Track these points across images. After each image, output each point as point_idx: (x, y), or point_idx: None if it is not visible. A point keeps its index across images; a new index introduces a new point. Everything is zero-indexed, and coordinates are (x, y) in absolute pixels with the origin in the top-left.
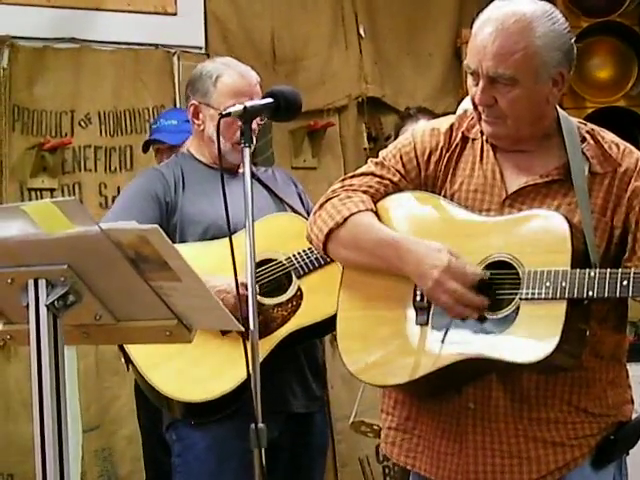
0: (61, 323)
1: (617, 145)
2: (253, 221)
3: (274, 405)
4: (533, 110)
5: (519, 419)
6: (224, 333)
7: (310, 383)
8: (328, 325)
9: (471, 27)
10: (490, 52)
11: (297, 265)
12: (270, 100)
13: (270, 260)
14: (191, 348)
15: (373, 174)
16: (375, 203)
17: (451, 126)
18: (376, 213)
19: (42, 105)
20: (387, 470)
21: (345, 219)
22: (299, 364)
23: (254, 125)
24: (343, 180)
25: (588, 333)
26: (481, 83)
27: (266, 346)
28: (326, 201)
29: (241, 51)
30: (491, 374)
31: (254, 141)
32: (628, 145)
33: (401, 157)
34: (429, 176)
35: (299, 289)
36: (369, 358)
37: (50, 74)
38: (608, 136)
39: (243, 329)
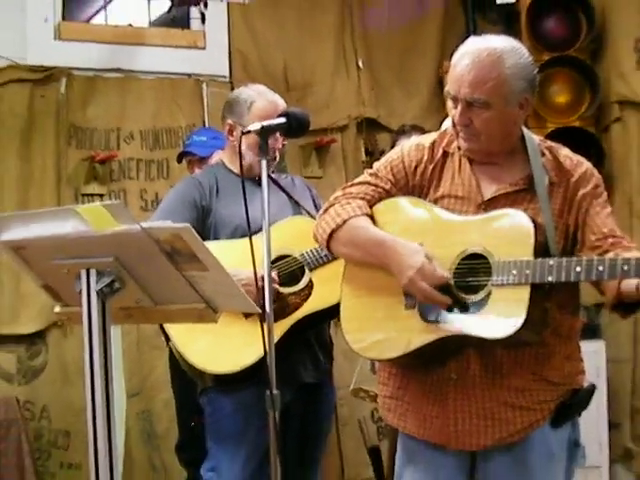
0: (108, 306)
1: (570, 158)
2: (269, 222)
3: (287, 376)
4: (503, 129)
5: (492, 387)
6: (247, 316)
7: (319, 357)
8: (334, 311)
9: (451, 60)
10: (467, 80)
11: (309, 260)
12: (283, 120)
13: (287, 256)
14: (219, 328)
15: (368, 183)
16: (370, 207)
17: (433, 142)
18: (371, 216)
19: (93, 124)
20: (380, 429)
21: (344, 221)
22: (309, 342)
23: (279, 144)
24: (344, 188)
25: (549, 315)
26: (459, 106)
27: (282, 327)
28: (329, 206)
29: (259, 79)
30: (469, 349)
31: (278, 156)
32: (579, 158)
33: (392, 168)
34: (415, 185)
35: (310, 280)
36: (367, 337)
37: (100, 98)
38: (563, 151)
39: (260, 311)
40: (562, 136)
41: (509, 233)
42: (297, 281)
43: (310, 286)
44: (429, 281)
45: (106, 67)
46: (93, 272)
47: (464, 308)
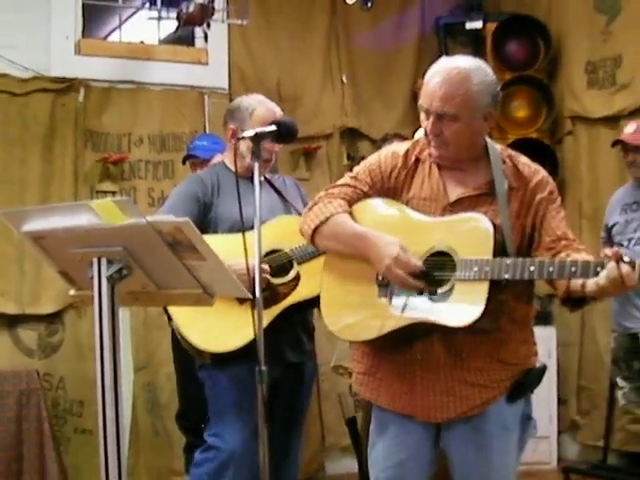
0: (117, 290)
1: (529, 166)
2: (262, 219)
3: (276, 356)
4: (469, 139)
5: (453, 367)
6: (241, 302)
7: (302, 340)
8: (318, 300)
9: (424, 77)
10: (438, 96)
11: (297, 255)
12: (274, 127)
13: (278, 250)
14: (215, 312)
15: (349, 185)
16: (350, 206)
17: (407, 150)
18: (351, 214)
19: (107, 129)
20: (357, 402)
21: (327, 218)
22: (294, 327)
23: (276, 148)
24: (327, 189)
25: (505, 305)
26: (431, 118)
27: (272, 313)
28: (314, 204)
29: (255, 92)
30: (434, 334)
31: (274, 158)
32: (537, 166)
33: (370, 173)
34: (390, 187)
35: (298, 273)
36: (344, 321)
37: (114, 107)
38: (522, 159)
39: (251, 297)
40: (521, 146)
41: (472, 234)
42: (286, 273)
43: (297, 278)
44: (404, 269)
45: (120, 79)
46: (104, 260)
47: (431, 298)
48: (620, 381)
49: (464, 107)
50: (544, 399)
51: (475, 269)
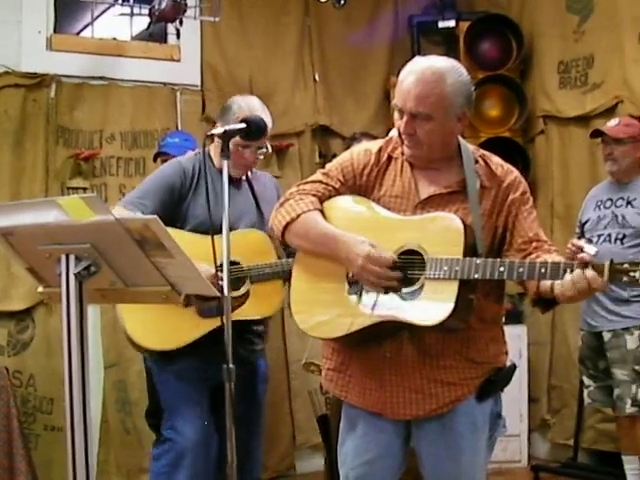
0: (85, 287)
1: (502, 166)
2: (232, 220)
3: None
4: (442, 139)
5: (423, 365)
6: (186, 305)
7: (252, 341)
8: (259, 322)
9: (397, 75)
10: (412, 95)
11: (253, 273)
12: (244, 125)
13: (236, 263)
14: (158, 311)
15: (320, 181)
16: (321, 203)
17: (380, 148)
18: (322, 211)
19: (79, 126)
20: (328, 400)
21: (298, 215)
22: (244, 332)
23: (247, 155)
24: (298, 185)
25: (475, 304)
26: (405, 118)
27: (212, 324)
28: (285, 201)
29: (227, 89)
30: (403, 332)
31: (253, 167)
32: (509, 166)
33: (342, 169)
34: (362, 185)
35: (248, 291)
36: (313, 318)
37: (85, 103)
38: (495, 159)
39: (219, 294)
40: (493, 145)
41: (443, 233)
42: (238, 288)
43: (246, 296)
44: (378, 264)
45: (91, 75)
46: (72, 257)
47: (400, 297)
48: (586, 380)
49: (438, 107)
50: (515, 398)
51: (445, 268)
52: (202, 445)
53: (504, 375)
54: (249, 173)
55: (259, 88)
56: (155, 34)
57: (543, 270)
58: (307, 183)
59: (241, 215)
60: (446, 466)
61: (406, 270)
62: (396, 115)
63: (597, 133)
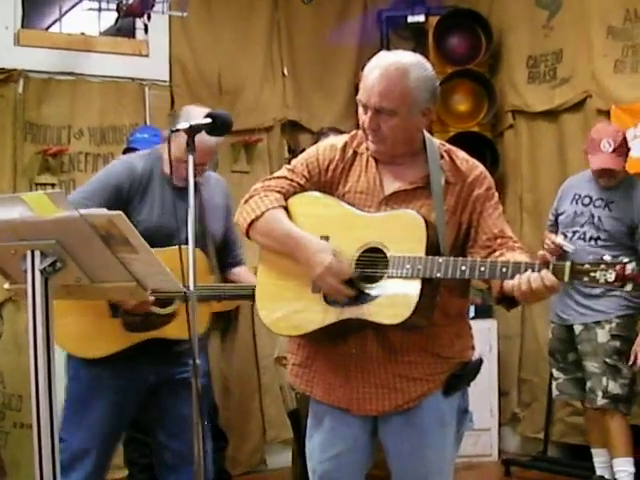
0: (51, 284)
1: (467, 161)
2: (170, 232)
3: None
4: (407, 134)
5: (387, 361)
6: (114, 315)
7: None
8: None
9: (364, 70)
10: (376, 91)
11: (183, 294)
12: (209, 120)
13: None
14: (85, 317)
15: (285, 178)
16: (286, 200)
17: (345, 143)
18: (286, 208)
19: (47, 121)
20: (298, 395)
21: (262, 213)
22: (163, 350)
23: (207, 163)
24: (263, 181)
25: (437, 301)
26: (369, 113)
27: (133, 339)
28: (250, 197)
29: (196, 84)
30: (368, 329)
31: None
32: (475, 161)
33: (307, 165)
34: (327, 180)
35: (176, 311)
36: (277, 315)
37: (53, 99)
38: (460, 154)
39: (185, 290)
40: (462, 140)
41: (406, 231)
42: (166, 306)
43: (172, 315)
44: (336, 278)
45: (59, 71)
46: (37, 253)
47: (363, 295)
48: (555, 372)
49: (402, 102)
50: (485, 392)
51: (407, 267)
52: (91, 454)
53: (470, 370)
54: (199, 179)
55: (228, 83)
56: (123, 29)
57: (504, 270)
58: (272, 179)
59: (182, 227)
60: (412, 461)
61: (369, 268)
62: (360, 110)
63: (603, 172)
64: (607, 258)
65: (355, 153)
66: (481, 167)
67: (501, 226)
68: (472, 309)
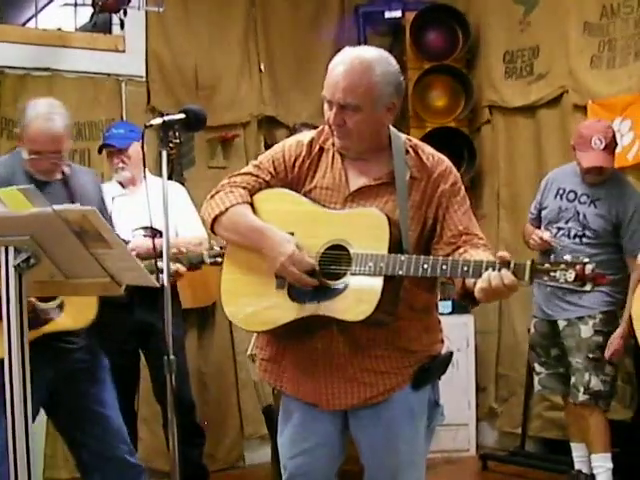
0: (25, 279)
1: (433, 156)
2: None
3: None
4: (372, 129)
5: (354, 356)
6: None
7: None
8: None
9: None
10: (340, 86)
11: None
12: (183, 115)
13: None
14: None
15: (251, 174)
16: (251, 196)
17: (311, 139)
18: (252, 204)
19: None
20: (274, 391)
21: (227, 209)
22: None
23: (60, 151)
24: (229, 177)
25: (400, 298)
26: (334, 109)
27: (32, 335)
28: (215, 193)
29: (172, 80)
30: (333, 324)
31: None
32: (441, 156)
33: (273, 162)
34: (294, 176)
35: (62, 302)
36: (242, 310)
37: (29, 94)
38: (427, 149)
39: (158, 285)
40: (439, 135)
41: (369, 229)
42: (51, 300)
43: (61, 307)
44: (298, 267)
45: (35, 66)
46: (11, 249)
47: (326, 292)
48: (537, 367)
49: (366, 98)
50: (463, 387)
51: (370, 264)
52: None
53: (439, 363)
54: (66, 170)
55: (204, 79)
56: (99, 25)
57: (465, 268)
58: (238, 175)
59: None
60: (384, 454)
61: (332, 265)
62: (326, 106)
63: (593, 169)
64: (567, 258)
65: (322, 149)
66: (447, 162)
67: (467, 223)
68: (449, 304)
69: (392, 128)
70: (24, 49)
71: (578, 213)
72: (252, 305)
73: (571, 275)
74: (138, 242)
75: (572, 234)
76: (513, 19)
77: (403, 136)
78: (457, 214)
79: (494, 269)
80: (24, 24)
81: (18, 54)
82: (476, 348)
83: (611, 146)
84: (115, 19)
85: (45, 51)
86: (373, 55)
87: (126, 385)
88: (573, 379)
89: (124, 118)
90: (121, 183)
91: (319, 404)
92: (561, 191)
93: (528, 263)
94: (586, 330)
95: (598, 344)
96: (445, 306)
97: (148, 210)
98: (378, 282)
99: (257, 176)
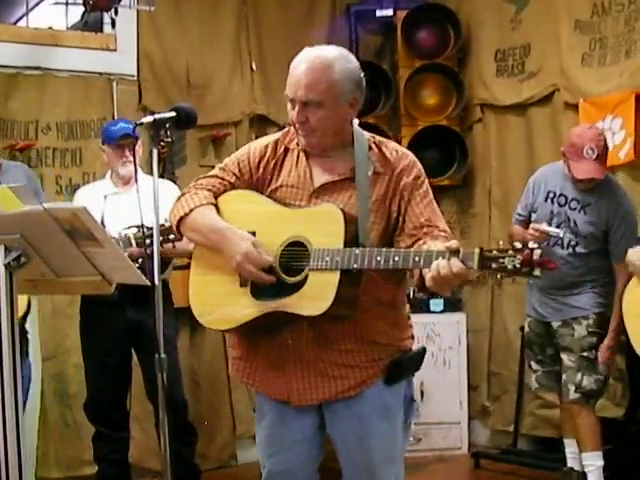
0: (15, 278)
1: (396, 151)
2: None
3: None
4: (335, 125)
5: (324, 350)
6: None
7: None
8: None
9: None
10: (302, 84)
11: None
12: (174, 114)
13: None
14: None
15: (216, 176)
16: (216, 198)
17: (276, 141)
18: (216, 205)
19: (14, 116)
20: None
21: (191, 210)
22: None
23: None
24: (196, 180)
25: (360, 291)
26: (297, 107)
27: None
28: (182, 195)
29: (164, 79)
30: (302, 320)
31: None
32: (405, 151)
33: (238, 164)
34: (259, 177)
35: None
36: (208, 310)
37: (21, 93)
38: (391, 145)
39: (149, 283)
40: (431, 134)
41: (325, 224)
42: None
43: None
44: (254, 264)
45: (27, 65)
46: (1, 248)
47: (286, 288)
48: (534, 365)
49: (328, 94)
50: (455, 385)
51: (327, 259)
52: None
53: (411, 358)
54: None
55: (196, 77)
56: (91, 24)
57: (417, 259)
58: (204, 178)
59: None
60: (357, 451)
61: (292, 262)
62: (289, 106)
63: (586, 179)
64: (516, 244)
65: (287, 149)
66: (411, 157)
67: (429, 215)
68: (441, 303)
69: (356, 126)
70: (15, 48)
71: (569, 219)
72: (217, 305)
73: (519, 261)
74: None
75: (565, 243)
76: (504, 17)
77: (367, 134)
78: (419, 206)
79: (444, 258)
80: (15, 23)
81: (9, 53)
82: (468, 346)
83: (603, 155)
84: (106, 18)
85: (36, 50)
86: (333, 53)
87: (118, 384)
88: (564, 376)
89: (115, 117)
90: (114, 181)
91: (290, 400)
92: (551, 194)
93: (477, 250)
94: (580, 330)
95: (591, 344)
96: (437, 304)
97: (139, 209)
98: (335, 276)
99: (222, 178)
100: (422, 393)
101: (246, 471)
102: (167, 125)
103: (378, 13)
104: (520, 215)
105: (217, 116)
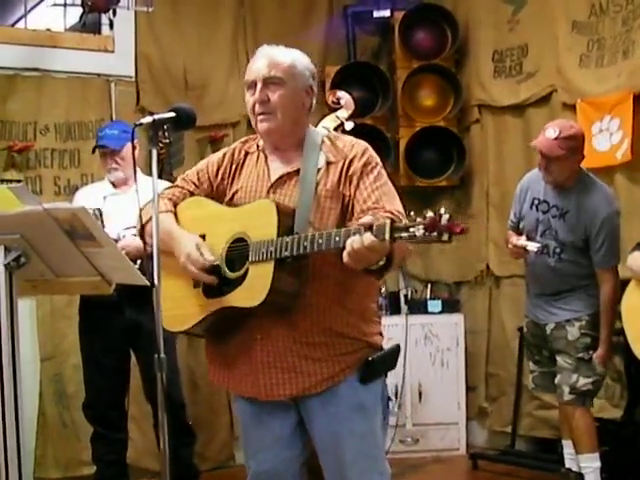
0: (15, 278)
1: (350, 142)
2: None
3: None
4: (293, 108)
5: (293, 343)
6: None
7: None
8: None
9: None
10: (265, 64)
11: None
12: (173, 114)
13: None
14: None
15: (177, 186)
16: (175, 205)
17: (234, 149)
18: (175, 213)
19: (12, 117)
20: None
21: (151, 217)
22: None
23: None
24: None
25: (302, 280)
26: (258, 86)
27: None
28: (146, 204)
29: (161, 80)
30: (272, 314)
31: None
32: (360, 141)
33: (197, 173)
34: (220, 184)
35: None
36: (169, 312)
37: (19, 95)
38: (347, 138)
39: (148, 283)
40: (429, 135)
41: (261, 218)
42: None
43: None
44: (195, 264)
45: (25, 67)
46: (1, 248)
47: (230, 284)
48: (532, 365)
49: (289, 73)
50: (452, 386)
51: (262, 250)
52: None
53: (385, 356)
54: None
55: (193, 79)
56: (89, 25)
57: (337, 238)
58: (168, 188)
59: None
60: (334, 449)
61: (237, 257)
62: (247, 96)
63: (542, 158)
64: (428, 213)
65: (246, 154)
66: (364, 145)
67: (376, 197)
68: (439, 304)
69: (310, 125)
70: (13, 49)
71: (551, 227)
72: (176, 307)
73: (425, 227)
74: (128, 241)
75: (551, 251)
76: (502, 18)
77: (324, 131)
78: (367, 190)
79: (360, 234)
80: (13, 24)
81: (7, 54)
82: (466, 347)
83: (567, 142)
84: (104, 19)
85: (34, 51)
86: (290, 49)
87: (117, 385)
88: (559, 377)
89: (114, 118)
90: (113, 183)
91: (258, 396)
92: (536, 201)
93: (387, 222)
94: (573, 332)
95: (586, 345)
96: (434, 305)
97: (139, 209)
98: (269, 266)
99: (182, 187)
100: (420, 394)
101: (244, 472)
102: (165, 126)
103: (375, 14)
104: (512, 222)
105: (215, 117)
